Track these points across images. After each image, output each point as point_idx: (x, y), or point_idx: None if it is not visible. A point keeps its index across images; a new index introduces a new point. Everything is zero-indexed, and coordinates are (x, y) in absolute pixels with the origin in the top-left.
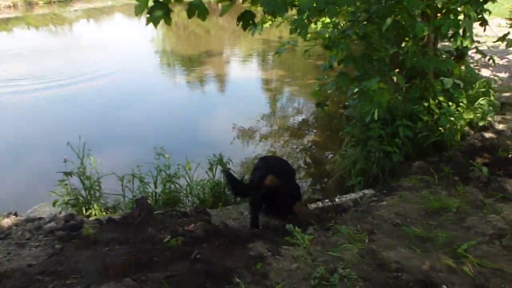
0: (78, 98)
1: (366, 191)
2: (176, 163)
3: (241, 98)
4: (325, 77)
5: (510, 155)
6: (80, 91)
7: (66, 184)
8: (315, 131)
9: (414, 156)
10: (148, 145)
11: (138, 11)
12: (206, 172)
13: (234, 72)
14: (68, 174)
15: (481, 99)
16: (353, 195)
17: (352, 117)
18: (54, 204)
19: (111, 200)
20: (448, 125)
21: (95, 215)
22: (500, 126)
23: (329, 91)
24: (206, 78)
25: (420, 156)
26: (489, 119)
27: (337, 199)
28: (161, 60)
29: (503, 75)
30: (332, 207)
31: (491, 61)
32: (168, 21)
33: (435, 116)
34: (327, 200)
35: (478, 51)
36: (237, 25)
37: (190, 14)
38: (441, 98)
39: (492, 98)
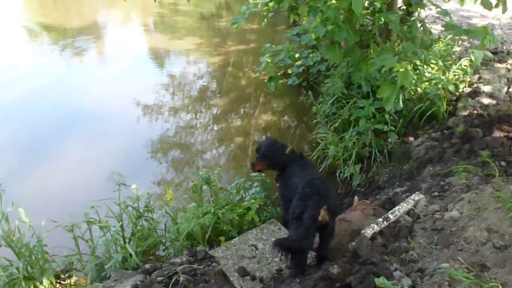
0: None
1: (416, 197)
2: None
3: (171, 81)
4: (272, 46)
5: None
6: None
7: None
8: (272, 109)
9: (402, 131)
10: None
11: None
12: (189, 196)
13: (140, 46)
14: None
15: (463, 59)
16: (404, 206)
17: (327, 94)
18: None
19: (58, 261)
20: (437, 92)
21: None
22: (485, 88)
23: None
24: (109, 57)
25: (409, 130)
26: (468, 79)
27: (390, 216)
28: (33, 38)
29: (438, 27)
30: (391, 229)
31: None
32: None
33: (413, 81)
34: (380, 220)
35: (440, 9)
36: None
37: None
38: (418, 62)
39: (473, 57)
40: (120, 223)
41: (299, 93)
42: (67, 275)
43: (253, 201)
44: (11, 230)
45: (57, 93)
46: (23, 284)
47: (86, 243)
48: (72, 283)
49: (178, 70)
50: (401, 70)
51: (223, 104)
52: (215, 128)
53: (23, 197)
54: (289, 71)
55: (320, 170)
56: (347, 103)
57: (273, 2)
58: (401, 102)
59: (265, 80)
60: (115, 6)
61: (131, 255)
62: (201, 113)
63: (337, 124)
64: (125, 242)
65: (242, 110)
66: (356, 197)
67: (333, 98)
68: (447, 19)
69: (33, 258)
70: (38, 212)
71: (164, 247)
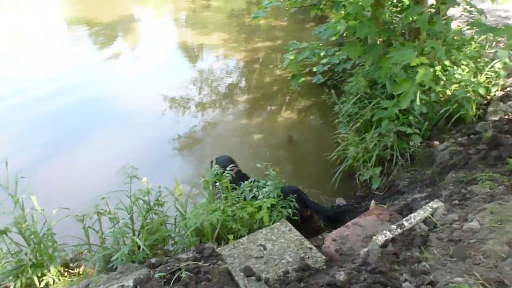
0: None
1: (434, 205)
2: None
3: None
4: (297, 42)
5: None
6: None
7: None
8: (296, 108)
9: (427, 134)
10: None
11: None
12: (200, 191)
13: (166, 40)
14: (2, 232)
15: (495, 61)
16: (421, 213)
17: (350, 93)
18: None
19: (68, 250)
20: (466, 95)
21: (54, 282)
22: None
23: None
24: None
25: (434, 134)
26: (501, 82)
27: (405, 223)
28: (69, 31)
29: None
30: (404, 237)
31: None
32: None
33: (441, 83)
34: (394, 227)
35: (475, 8)
36: None
37: None
38: (447, 63)
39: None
40: (130, 215)
41: (324, 92)
42: (75, 264)
43: (265, 200)
44: (24, 217)
45: (87, 86)
46: (30, 271)
47: (97, 233)
48: (80, 272)
49: (204, 66)
50: (420, 65)
51: (247, 100)
52: (236, 124)
53: (41, 185)
54: (315, 69)
55: (339, 171)
56: (370, 103)
57: None
58: (418, 100)
59: (289, 78)
60: (147, 1)
61: (139, 248)
62: (224, 109)
63: (358, 124)
64: (134, 235)
65: (265, 107)
66: (373, 201)
67: (356, 98)
68: (482, 18)
69: (42, 245)
70: (55, 202)
71: (173, 241)
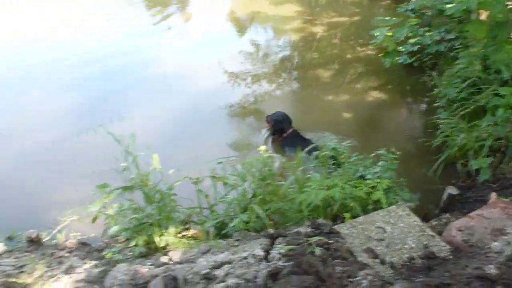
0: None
1: None
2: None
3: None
4: (393, 18)
5: None
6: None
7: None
8: (378, 87)
9: None
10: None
11: None
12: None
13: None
14: (128, 188)
15: None
16: None
17: (456, 76)
18: (93, 221)
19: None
20: None
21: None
22: None
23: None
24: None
25: None
26: None
27: None
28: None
29: None
30: None
31: None
32: None
33: None
34: None
35: None
36: None
37: None
38: None
39: None
40: (244, 184)
41: (406, 73)
42: (186, 226)
43: (378, 180)
44: (144, 175)
45: (148, 55)
46: (156, 230)
47: (206, 198)
48: (190, 236)
49: (280, 37)
50: None
51: (326, 76)
52: (319, 100)
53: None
54: (401, 48)
55: (439, 159)
56: (485, 88)
57: None
58: None
59: (380, 55)
60: None
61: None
62: (301, 83)
63: (467, 110)
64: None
65: (343, 83)
66: (493, 193)
67: (467, 82)
68: None
69: (161, 205)
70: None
71: (281, 213)
